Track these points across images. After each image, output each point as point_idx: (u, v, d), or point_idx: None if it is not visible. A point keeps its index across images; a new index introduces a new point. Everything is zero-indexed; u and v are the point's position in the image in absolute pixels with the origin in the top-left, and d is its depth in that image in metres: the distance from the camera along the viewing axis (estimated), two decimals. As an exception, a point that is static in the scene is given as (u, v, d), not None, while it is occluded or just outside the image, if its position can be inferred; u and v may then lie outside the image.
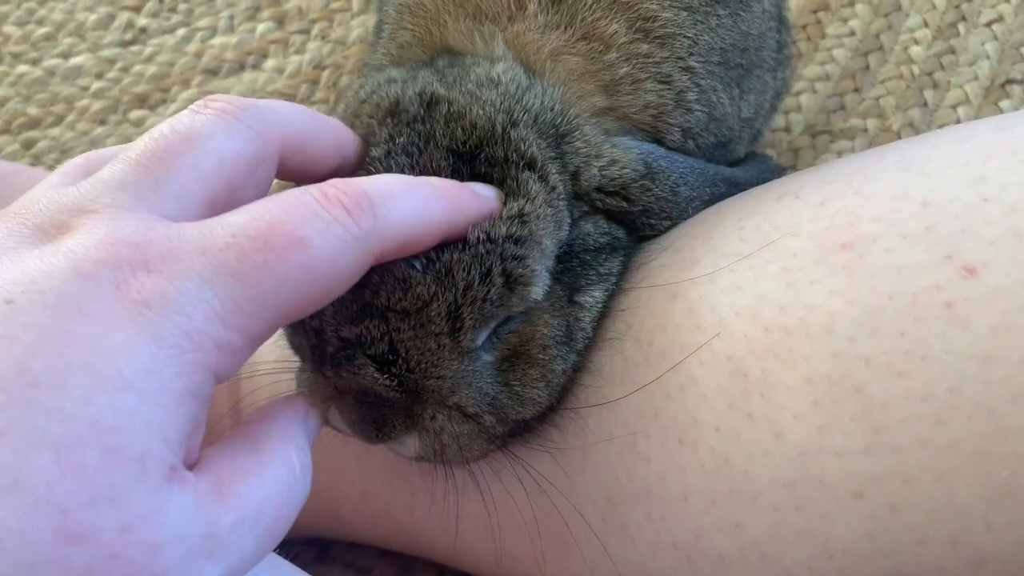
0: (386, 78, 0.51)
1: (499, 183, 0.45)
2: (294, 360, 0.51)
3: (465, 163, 0.45)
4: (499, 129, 0.46)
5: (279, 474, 0.38)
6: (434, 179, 0.43)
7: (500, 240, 0.44)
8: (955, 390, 0.42)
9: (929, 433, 0.42)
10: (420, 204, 0.41)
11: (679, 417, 0.47)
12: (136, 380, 0.32)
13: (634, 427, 0.49)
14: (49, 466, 0.30)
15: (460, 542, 0.56)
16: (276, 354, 0.55)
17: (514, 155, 0.46)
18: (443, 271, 0.43)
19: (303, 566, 0.52)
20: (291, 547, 0.64)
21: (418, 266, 0.43)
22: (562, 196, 0.48)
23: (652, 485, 0.48)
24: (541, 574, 0.53)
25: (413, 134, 0.46)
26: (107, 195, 0.36)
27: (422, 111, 0.47)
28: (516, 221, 0.44)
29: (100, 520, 0.31)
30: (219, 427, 0.60)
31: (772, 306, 0.47)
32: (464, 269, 0.43)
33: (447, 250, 0.43)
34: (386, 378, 0.44)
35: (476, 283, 0.43)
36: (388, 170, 0.45)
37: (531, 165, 0.46)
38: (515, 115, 0.48)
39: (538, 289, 0.46)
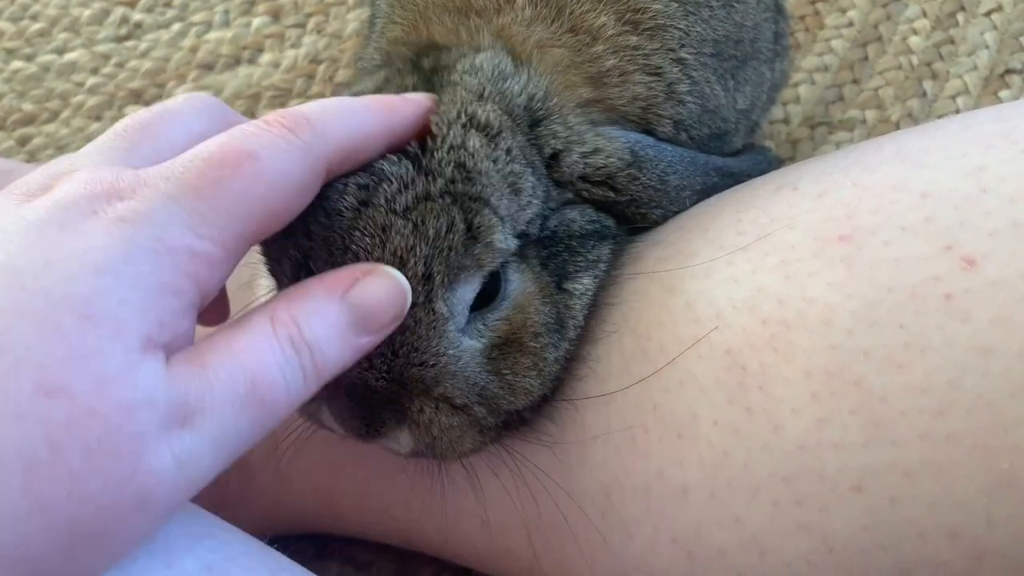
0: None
1: (437, 128, 0.46)
2: None
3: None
4: (459, 100, 0.47)
5: (254, 341, 0.39)
6: (368, 97, 0.46)
7: (457, 193, 0.45)
8: (955, 383, 0.41)
9: (929, 426, 0.42)
10: (356, 118, 0.44)
11: (677, 411, 0.47)
12: (113, 267, 0.36)
13: (632, 421, 0.49)
14: (28, 332, 0.34)
15: (458, 538, 0.56)
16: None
17: (463, 116, 0.47)
18: (418, 220, 0.44)
19: (302, 562, 0.52)
20: (290, 543, 0.64)
21: (395, 213, 0.44)
22: (517, 159, 0.48)
23: (651, 480, 0.48)
24: (539, 570, 0.53)
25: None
26: (93, 156, 0.41)
27: None
28: (462, 173, 0.45)
29: (76, 376, 0.34)
30: None
31: (770, 299, 0.46)
32: (434, 217, 0.44)
33: (418, 203, 0.44)
34: (375, 354, 0.45)
35: (443, 232, 0.44)
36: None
37: (481, 127, 0.47)
38: (486, 92, 0.48)
39: (500, 238, 0.46)
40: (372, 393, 0.46)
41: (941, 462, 0.41)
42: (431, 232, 0.44)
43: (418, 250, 0.44)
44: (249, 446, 0.39)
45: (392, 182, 0.45)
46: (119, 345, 0.35)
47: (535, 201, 0.49)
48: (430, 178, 0.45)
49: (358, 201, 0.45)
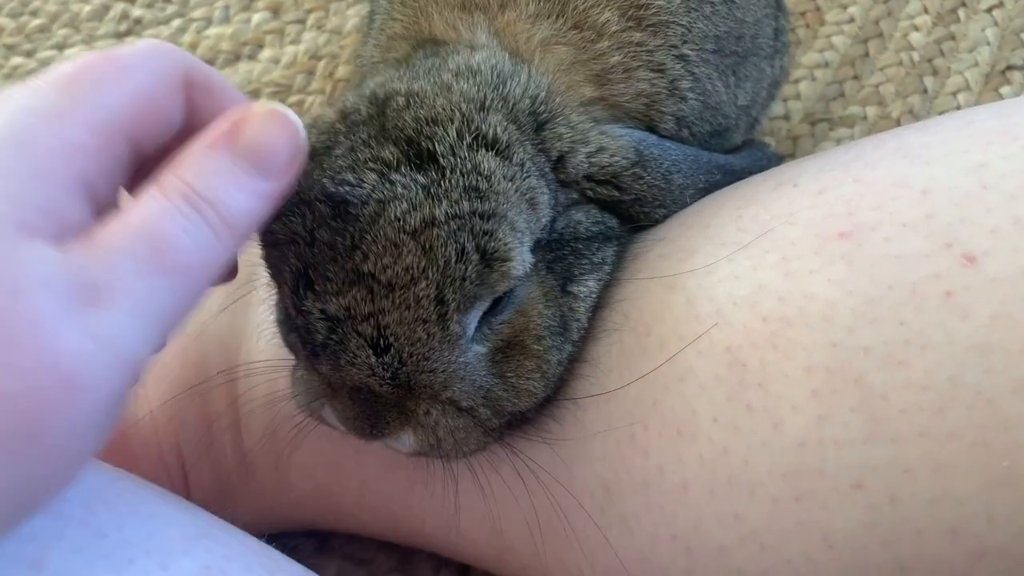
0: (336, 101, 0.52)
1: (445, 159, 0.45)
2: (289, 358, 0.51)
3: (411, 145, 0.45)
4: (458, 113, 0.46)
5: (145, 210, 0.38)
6: None
7: (466, 215, 0.44)
8: (955, 380, 0.41)
9: (929, 423, 0.42)
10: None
11: (677, 408, 0.47)
12: None
13: (632, 418, 0.49)
14: None
15: (459, 534, 0.56)
16: (271, 352, 0.54)
17: (468, 135, 0.46)
18: (427, 244, 0.43)
19: (302, 559, 0.52)
20: (290, 539, 0.64)
21: (406, 232, 0.43)
22: (531, 173, 0.47)
23: (651, 476, 0.48)
24: (540, 566, 0.53)
25: (366, 130, 0.47)
26: None
27: (373, 109, 0.48)
28: (475, 197, 0.44)
29: None
30: (217, 425, 0.60)
31: (771, 296, 0.46)
32: (442, 244, 0.43)
33: (426, 227, 0.43)
34: (380, 365, 0.44)
35: (454, 260, 0.43)
36: (351, 167, 0.46)
37: (491, 144, 0.46)
38: (487, 102, 0.48)
39: (517, 265, 0.45)
40: (377, 396, 0.45)
41: (941, 459, 0.41)
42: (440, 260, 0.43)
43: (429, 273, 0.43)
44: (179, 315, 0.38)
45: (402, 202, 0.44)
46: None
47: (548, 211, 0.48)
48: (435, 202, 0.44)
49: (374, 212, 0.44)
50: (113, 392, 0.36)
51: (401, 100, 0.47)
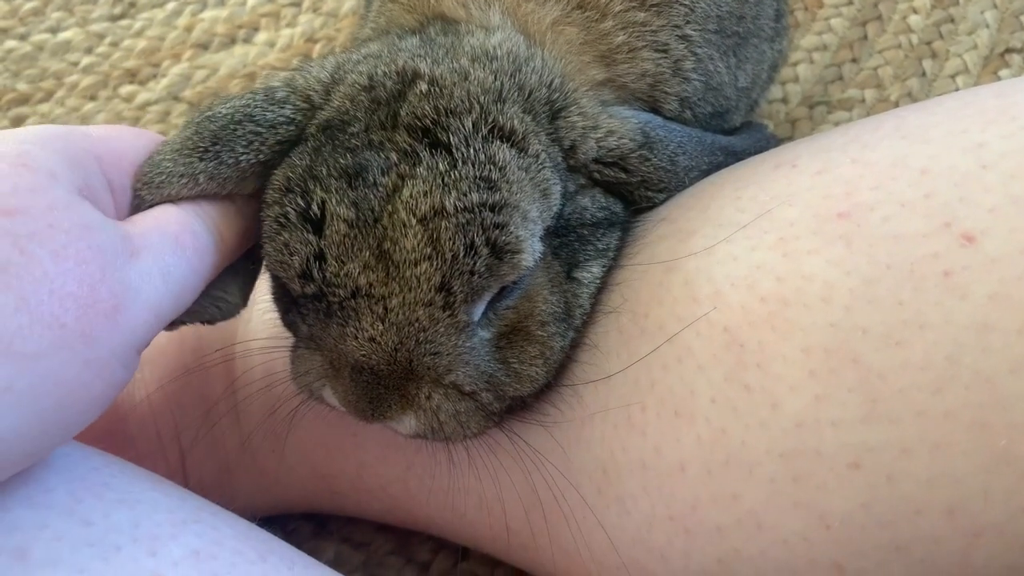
0: (364, 54, 0.51)
1: (459, 151, 0.45)
2: (287, 336, 0.51)
3: (427, 135, 0.45)
4: (476, 105, 0.46)
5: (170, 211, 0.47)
6: None
7: (475, 208, 0.44)
8: (953, 359, 0.41)
9: (927, 403, 0.41)
10: None
11: (675, 389, 0.47)
12: (32, 139, 0.42)
13: (630, 399, 0.49)
14: None
15: (456, 516, 0.56)
16: (268, 331, 0.54)
17: (484, 127, 0.46)
18: (434, 234, 0.43)
19: (300, 541, 0.52)
20: (288, 522, 0.64)
21: (415, 216, 0.43)
22: (546, 164, 0.47)
23: (648, 457, 0.48)
24: (537, 547, 0.53)
25: (385, 111, 0.47)
26: None
27: (397, 88, 0.47)
28: (485, 188, 0.44)
29: (28, 201, 0.39)
30: (216, 410, 0.60)
31: (769, 276, 0.46)
32: (449, 238, 0.43)
33: (434, 217, 0.43)
34: (381, 342, 0.44)
35: (462, 254, 0.43)
36: (367, 146, 0.46)
37: (507, 136, 0.46)
38: (504, 92, 0.47)
39: (528, 256, 0.45)
40: (378, 377, 0.45)
41: (939, 439, 0.41)
42: (448, 252, 0.43)
43: (435, 261, 0.43)
44: (191, 289, 0.45)
45: (417, 181, 0.44)
46: (59, 186, 0.41)
47: (559, 200, 0.48)
48: (446, 191, 0.44)
49: (393, 185, 0.44)
50: (147, 326, 0.42)
51: (424, 87, 0.47)
